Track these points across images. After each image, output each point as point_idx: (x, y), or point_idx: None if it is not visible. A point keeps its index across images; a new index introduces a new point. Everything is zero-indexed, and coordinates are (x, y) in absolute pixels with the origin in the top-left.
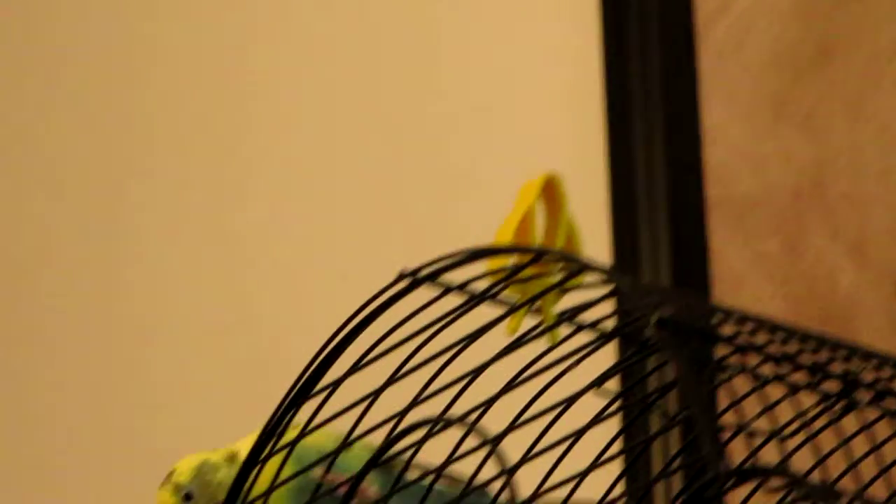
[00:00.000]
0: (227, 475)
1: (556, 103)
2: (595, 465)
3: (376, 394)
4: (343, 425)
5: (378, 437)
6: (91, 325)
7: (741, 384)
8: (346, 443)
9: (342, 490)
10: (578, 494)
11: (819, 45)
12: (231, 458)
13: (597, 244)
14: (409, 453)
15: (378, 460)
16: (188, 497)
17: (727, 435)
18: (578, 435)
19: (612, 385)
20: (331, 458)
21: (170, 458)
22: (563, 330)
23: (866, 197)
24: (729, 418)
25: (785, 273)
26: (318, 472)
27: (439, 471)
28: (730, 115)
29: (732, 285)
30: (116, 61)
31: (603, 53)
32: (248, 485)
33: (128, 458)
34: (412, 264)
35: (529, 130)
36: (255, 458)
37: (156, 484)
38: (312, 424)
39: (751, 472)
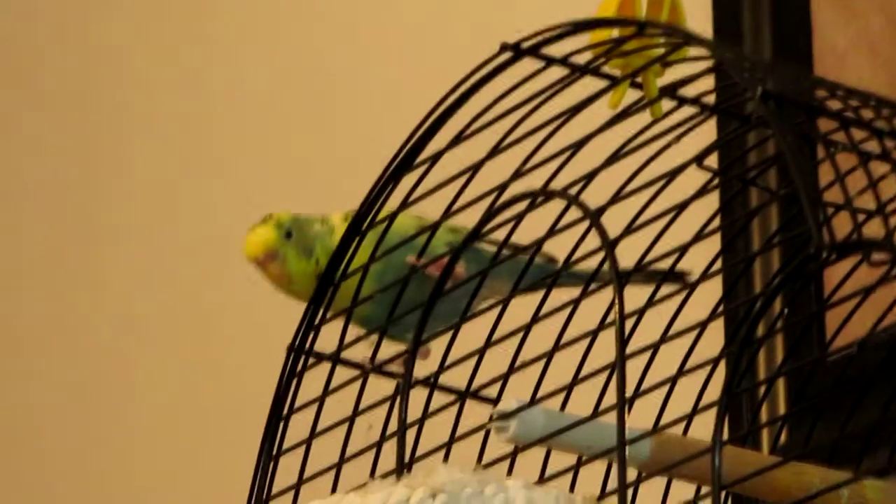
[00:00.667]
0: (320, 230)
1: None
2: (697, 238)
3: (477, 167)
4: (435, 209)
5: (475, 216)
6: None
7: (847, 160)
8: (446, 216)
9: (432, 270)
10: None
11: None
12: (323, 220)
13: (699, 18)
14: (504, 231)
15: (479, 232)
16: (289, 235)
17: (830, 211)
18: (680, 209)
19: (713, 160)
20: (417, 239)
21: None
22: (666, 104)
23: None
24: (834, 195)
25: (889, 51)
26: (404, 256)
27: (540, 243)
28: None
29: (835, 62)
30: (91, 50)
31: None
32: (350, 251)
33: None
34: (515, 37)
35: None
36: (357, 228)
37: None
38: (413, 197)
39: (853, 246)
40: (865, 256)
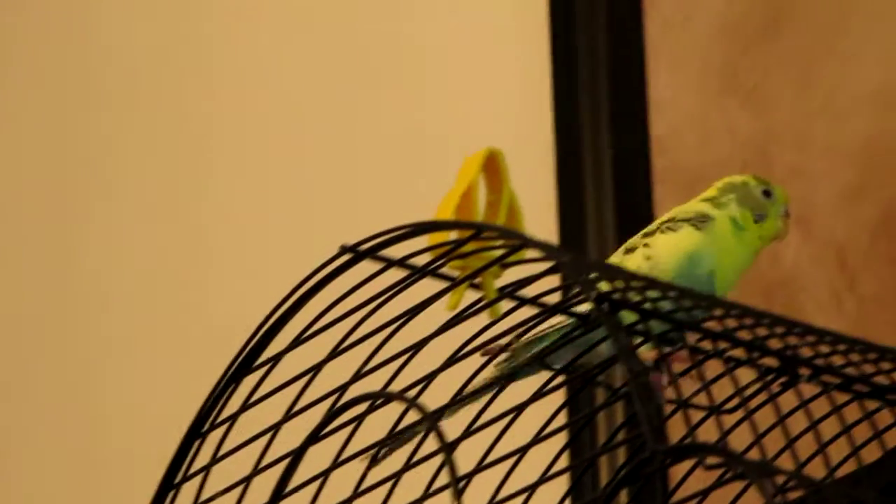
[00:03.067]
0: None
1: (502, 78)
2: (537, 439)
3: (317, 368)
4: (276, 410)
5: (315, 418)
6: (42, 307)
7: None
8: (287, 417)
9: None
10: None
11: (766, 18)
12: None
13: (544, 216)
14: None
15: (318, 435)
16: None
17: (669, 410)
18: (520, 409)
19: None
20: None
21: (116, 438)
22: (505, 305)
23: (811, 170)
24: (673, 394)
25: None
26: None
27: (381, 446)
28: (677, 86)
29: None
30: (70, 49)
31: (550, 27)
32: (189, 456)
33: (76, 441)
34: (354, 239)
35: (475, 105)
36: (197, 430)
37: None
38: (254, 398)
39: (686, 450)
40: (700, 461)
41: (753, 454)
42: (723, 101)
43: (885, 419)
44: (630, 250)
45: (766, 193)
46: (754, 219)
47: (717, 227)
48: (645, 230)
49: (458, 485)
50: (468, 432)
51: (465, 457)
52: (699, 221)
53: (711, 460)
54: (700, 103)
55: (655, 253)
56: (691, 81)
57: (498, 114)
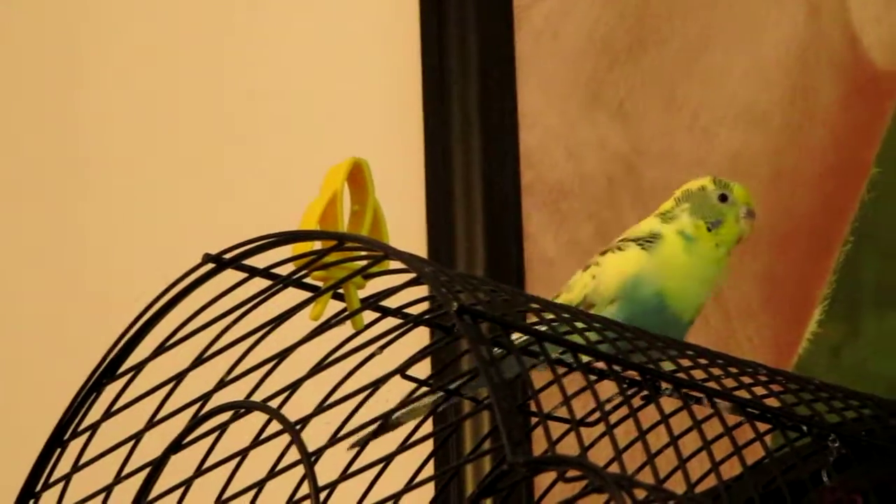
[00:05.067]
0: None
1: (372, 88)
2: (401, 449)
3: (180, 377)
4: (139, 418)
5: (179, 426)
6: None
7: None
8: (150, 426)
9: None
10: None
11: (633, 34)
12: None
13: (413, 227)
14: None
15: (181, 443)
16: None
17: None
18: (385, 418)
19: (425, 370)
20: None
21: None
22: (369, 316)
23: (678, 185)
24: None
25: None
26: None
27: (243, 456)
28: (546, 100)
29: (545, 270)
30: None
31: (421, 38)
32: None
33: None
34: (222, 247)
35: (344, 116)
36: (59, 437)
37: None
38: (116, 406)
39: (545, 463)
40: (560, 474)
41: (617, 468)
42: (591, 116)
43: (746, 433)
44: (588, 266)
45: (723, 198)
46: (708, 227)
47: (665, 244)
48: (609, 245)
49: (319, 495)
50: (332, 441)
51: (331, 467)
52: (646, 241)
53: (572, 473)
54: (568, 117)
55: (602, 272)
56: (560, 95)
57: (367, 125)
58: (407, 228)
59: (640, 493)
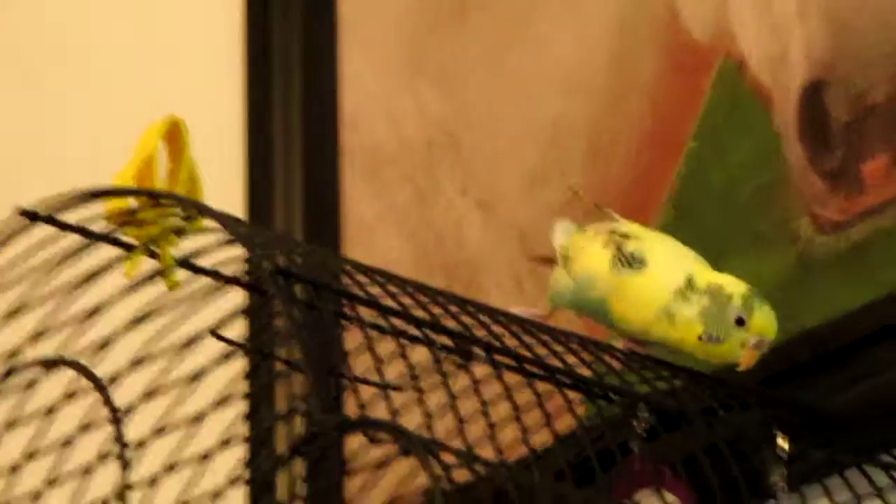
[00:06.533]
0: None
1: (193, 46)
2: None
3: None
4: None
5: None
6: None
7: (358, 336)
8: None
9: None
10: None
11: (457, 1)
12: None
13: (232, 188)
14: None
15: None
16: None
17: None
18: (195, 378)
19: (241, 329)
20: None
21: None
22: (184, 274)
23: (498, 154)
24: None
25: (414, 225)
26: None
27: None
28: (367, 64)
29: (363, 235)
30: None
31: None
32: None
33: None
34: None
35: (164, 73)
36: None
37: None
38: None
39: (353, 424)
40: (370, 437)
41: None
42: (412, 81)
43: (559, 402)
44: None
45: (740, 322)
46: (702, 337)
47: (645, 285)
48: (621, 228)
49: (126, 451)
50: (141, 400)
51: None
52: (633, 259)
53: (382, 436)
54: (389, 82)
55: (580, 258)
56: (381, 60)
57: (186, 83)
58: (226, 189)
59: (449, 458)
